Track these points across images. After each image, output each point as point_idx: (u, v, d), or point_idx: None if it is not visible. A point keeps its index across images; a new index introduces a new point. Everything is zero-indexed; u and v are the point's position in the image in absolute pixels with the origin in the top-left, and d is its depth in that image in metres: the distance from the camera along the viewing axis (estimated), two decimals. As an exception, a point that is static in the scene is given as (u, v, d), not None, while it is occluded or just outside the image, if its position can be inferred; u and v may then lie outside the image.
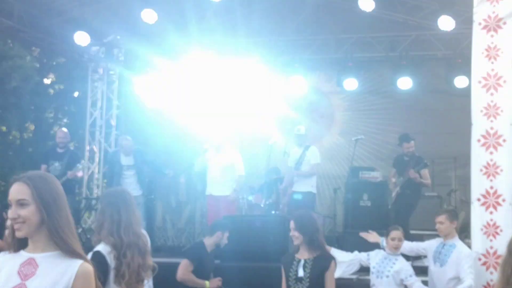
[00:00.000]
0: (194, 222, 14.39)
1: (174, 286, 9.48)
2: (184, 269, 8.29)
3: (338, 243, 9.36)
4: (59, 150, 12.34)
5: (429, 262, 8.16)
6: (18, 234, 3.09)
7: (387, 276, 7.57)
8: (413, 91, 14.50)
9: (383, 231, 10.53)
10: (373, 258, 7.77)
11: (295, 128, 12.38)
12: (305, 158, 11.94)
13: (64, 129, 12.89)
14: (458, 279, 7.65)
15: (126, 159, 11.98)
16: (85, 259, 3.10)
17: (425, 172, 11.31)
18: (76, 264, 3.06)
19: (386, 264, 7.68)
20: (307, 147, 12.11)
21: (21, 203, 3.07)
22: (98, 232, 5.14)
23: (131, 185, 11.65)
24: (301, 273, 6.11)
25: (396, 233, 7.79)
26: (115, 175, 12.05)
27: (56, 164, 12.02)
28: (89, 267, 3.10)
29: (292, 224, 6.22)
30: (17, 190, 3.10)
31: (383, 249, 7.93)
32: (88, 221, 16.25)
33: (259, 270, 9.24)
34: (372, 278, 7.69)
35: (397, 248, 7.75)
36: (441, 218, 7.91)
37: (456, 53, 13.76)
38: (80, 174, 12.31)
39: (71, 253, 3.08)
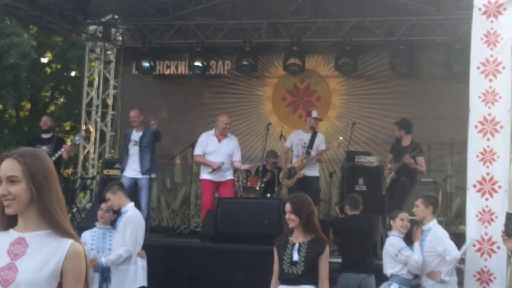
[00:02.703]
0: (188, 204, 14.36)
1: (167, 267, 9.51)
2: None
3: (333, 227, 9.36)
4: (45, 136, 12.23)
5: None
6: (8, 211, 3.03)
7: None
8: (411, 76, 14.48)
9: (378, 216, 10.62)
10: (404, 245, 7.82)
11: (311, 111, 12.38)
12: (314, 143, 11.95)
13: (48, 116, 12.77)
14: (439, 259, 7.67)
15: (135, 134, 11.67)
16: (75, 239, 3.05)
17: (421, 159, 11.27)
18: (66, 244, 3.01)
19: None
20: (316, 132, 12.12)
21: (11, 180, 3.01)
22: None
23: (133, 163, 11.50)
24: (295, 256, 6.09)
25: (405, 214, 7.95)
26: (124, 149, 11.88)
27: (44, 147, 11.85)
28: (79, 247, 3.05)
29: (288, 206, 6.17)
30: (8, 167, 3.03)
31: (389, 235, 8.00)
32: (83, 201, 16.25)
33: (253, 252, 9.24)
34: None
35: (407, 228, 7.84)
36: (417, 202, 7.99)
37: (455, 39, 13.72)
38: (70, 150, 12.08)
39: (62, 232, 3.03)
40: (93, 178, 16.22)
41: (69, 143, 12.03)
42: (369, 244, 8.88)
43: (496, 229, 7.88)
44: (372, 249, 8.93)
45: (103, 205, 8.53)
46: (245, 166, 11.82)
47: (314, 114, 12.31)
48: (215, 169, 11.37)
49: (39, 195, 3.01)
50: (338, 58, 14.76)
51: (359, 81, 15.18)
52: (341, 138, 12.41)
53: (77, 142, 12.73)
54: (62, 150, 11.72)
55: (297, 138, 12.19)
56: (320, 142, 12.05)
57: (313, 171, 12.00)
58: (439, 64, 14.34)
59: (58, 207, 3.05)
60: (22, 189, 3.00)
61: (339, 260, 8.71)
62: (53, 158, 11.43)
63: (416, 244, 7.76)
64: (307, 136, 12.09)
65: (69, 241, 3.02)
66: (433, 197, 8.25)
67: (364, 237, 8.86)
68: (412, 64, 14.36)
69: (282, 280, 6.18)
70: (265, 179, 12.36)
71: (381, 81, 15.03)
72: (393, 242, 7.86)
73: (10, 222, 3.10)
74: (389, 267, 7.83)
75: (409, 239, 7.99)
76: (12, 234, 3.07)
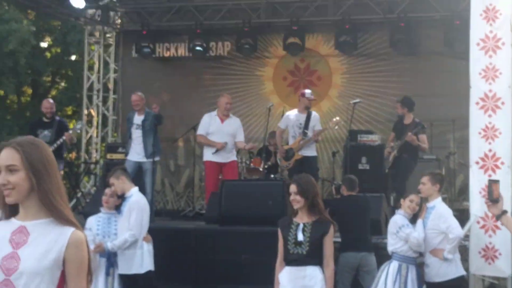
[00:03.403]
0: (193, 186, 14.40)
1: (173, 250, 9.56)
2: None
3: (329, 208, 9.36)
4: (46, 120, 12.16)
5: None
6: (8, 201, 3.05)
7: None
8: (411, 53, 14.45)
9: (382, 194, 10.65)
10: (406, 222, 7.83)
11: (305, 92, 12.33)
12: (310, 123, 11.89)
13: (50, 100, 12.68)
14: (442, 236, 7.68)
15: (137, 117, 11.58)
16: (77, 227, 3.06)
17: (423, 136, 11.28)
18: (68, 232, 3.02)
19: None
20: (311, 112, 12.07)
21: (10, 169, 3.01)
22: None
23: (137, 147, 11.48)
24: (300, 237, 6.12)
25: (416, 197, 7.89)
26: (127, 133, 11.86)
27: (45, 132, 11.81)
28: (81, 235, 3.06)
29: (294, 188, 6.18)
30: (7, 156, 3.03)
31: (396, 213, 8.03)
32: (87, 185, 16.29)
33: (258, 234, 9.25)
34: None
35: (414, 210, 7.84)
36: (424, 179, 7.89)
37: (454, 15, 13.67)
38: (72, 138, 12.03)
39: (63, 220, 3.04)
40: (96, 162, 16.25)
41: (70, 131, 11.97)
42: (367, 223, 8.90)
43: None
44: (370, 228, 8.95)
45: (107, 190, 8.55)
46: (249, 146, 11.85)
47: (308, 94, 12.24)
48: (219, 149, 11.39)
49: (39, 184, 3.02)
50: (338, 37, 14.73)
51: (359, 59, 15.15)
52: (337, 117, 12.37)
53: (78, 131, 12.70)
54: (64, 137, 11.71)
55: (292, 119, 12.13)
56: (315, 122, 11.98)
57: (310, 151, 11.96)
58: (439, 41, 14.29)
59: (58, 195, 3.06)
60: (21, 178, 3.01)
61: (339, 239, 8.72)
62: (55, 145, 11.43)
63: (419, 222, 7.78)
64: (302, 117, 12.01)
65: (71, 229, 3.03)
66: (440, 175, 8.23)
67: (361, 216, 8.87)
68: (412, 41, 14.32)
69: (287, 261, 6.22)
70: (269, 163, 12.35)
71: (381, 59, 15.00)
72: (396, 219, 7.90)
73: (12, 211, 3.11)
74: (390, 244, 7.86)
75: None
76: (14, 223, 3.07)
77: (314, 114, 12.10)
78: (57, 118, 12.27)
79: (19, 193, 3.03)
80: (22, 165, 3.02)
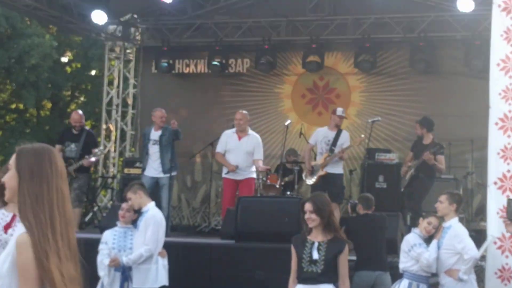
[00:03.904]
0: (209, 202, 14.41)
1: (188, 265, 9.54)
2: None
3: (345, 226, 9.32)
4: (75, 132, 12.22)
5: None
6: (5, 198, 3.16)
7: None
8: (430, 73, 14.41)
9: (398, 213, 10.60)
10: (418, 241, 7.78)
11: (336, 109, 12.29)
12: (339, 141, 11.83)
13: (79, 111, 12.77)
14: (457, 257, 7.62)
15: (154, 133, 11.62)
16: (29, 231, 2.94)
17: (441, 157, 11.21)
18: (16, 235, 3.00)
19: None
20: (341, 130, 12.01)
21: (8, 168, 3.15)
22: None
23: (154, 163, 11.52)
24: (315, 255, 6.09)
25: (435, 220, 7.83)
26: (144, 148, 11.92)
27: (72, 145, 11.89)
28: (25, 238, 2.93)
29: (309, 206, 6.14)
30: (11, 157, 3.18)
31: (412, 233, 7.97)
32: (104, 199, 16.33)
33: (273, 251, 9.23)
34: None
35: (429, 233, 7.78)
36: (442, 197, 7.86)
37: (475, 35, 13.64)
38: (90, 164, 12.15)
39: (24, 224, 2.99)
40: (113, 176, 16.30)
41: (91, 158, 11.98)
42: (382, 242, 8.86)
43: (518, 226, 7.84)
44: (385, 247, 8.90)
45: (124, 205, 8.56)
46: (263, 168, 11.81)
47: (339, 112, 12.19)
48: (230, 171, 11.43)
49: (20, 184, 3.04)
50: (357, 55, 14.74)
51: (378, 78, 15.13)
52: (362, 135, 12.36)
53: (98, 155, 12.76)
54: (82, 162, 11.75)
55: (321, 136, 12.09)
56: (344, 140, 11.89)
57: (336, 169, 11.88)
58: (458, 60, 14.27)
59: (34, 201, 2.99)
60: (9, 177, 3.10)
61: (354, 258, 8.68)
62: (75, 166, 11.53)
63: (434, 242, 7.73)
64: (331, 134, 11.98)
65: (20, 232, 2.98)
66: (458, 195, 8.17)
67: (377, 235, 8.84)
68: (432, 60, 14.30)
69: (301, 279, 6.19)
70: (286, 179, 12.34)
71: (400, 78, 14.98)
72: (408, 238, 7.86)
73: None
74: (402, 262, 7.82)
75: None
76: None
77: (344, 132, 12.02)
78: (86, 129, 12.39)
79: (9, 191, 3.11)
80: (14, 165, 3.11)
